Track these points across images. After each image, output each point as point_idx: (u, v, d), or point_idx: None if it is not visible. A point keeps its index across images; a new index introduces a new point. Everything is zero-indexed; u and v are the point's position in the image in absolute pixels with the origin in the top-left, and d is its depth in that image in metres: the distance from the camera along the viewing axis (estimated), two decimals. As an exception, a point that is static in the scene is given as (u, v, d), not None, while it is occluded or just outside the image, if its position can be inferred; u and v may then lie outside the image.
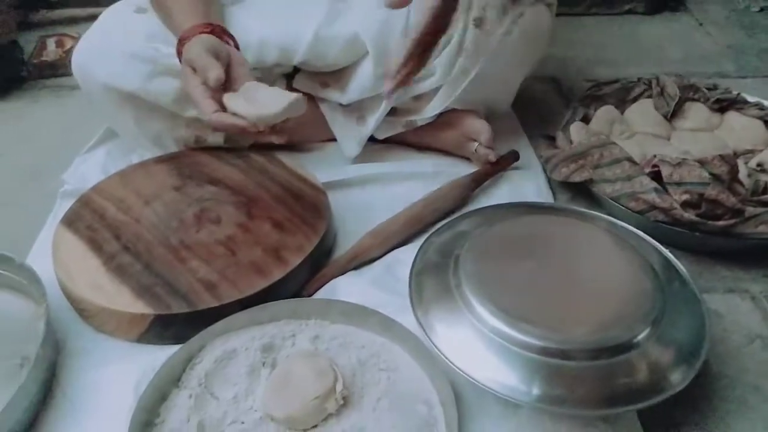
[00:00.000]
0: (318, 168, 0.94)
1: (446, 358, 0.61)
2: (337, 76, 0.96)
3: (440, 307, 0.67)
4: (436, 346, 0.63)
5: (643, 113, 1.03)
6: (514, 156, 0.97)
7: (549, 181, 0.96)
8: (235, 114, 0.75)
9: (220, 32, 0.83)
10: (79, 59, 0.92)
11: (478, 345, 0.62)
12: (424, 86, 0.94)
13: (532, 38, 0.93)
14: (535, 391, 0.58)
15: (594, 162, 0.87)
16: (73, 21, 1.51)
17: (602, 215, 0.81)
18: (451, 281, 0.68)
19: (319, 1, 0.95)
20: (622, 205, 0.83)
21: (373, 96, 0.95)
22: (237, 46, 0.84)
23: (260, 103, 0.75)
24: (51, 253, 0.79)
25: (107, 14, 0.96)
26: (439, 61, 0.91)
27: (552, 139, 1.00)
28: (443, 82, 0.93)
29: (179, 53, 0.82)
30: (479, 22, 0.90)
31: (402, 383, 0.66)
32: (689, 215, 0.78)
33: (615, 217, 0.81)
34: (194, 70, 0.77)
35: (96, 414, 0.66)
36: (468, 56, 0.91)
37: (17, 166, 1.06)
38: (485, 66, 0.91)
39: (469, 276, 0.67)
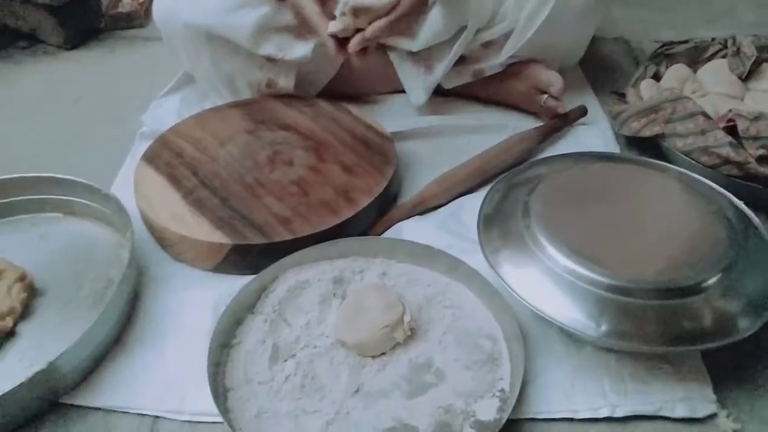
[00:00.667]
0: (385, 118, 0.95)
1: (515, 293, 0.63)
2: (407, 23, 0.96)
3: (509, 247, 0.68)
4: (505, 282, 0.64)
5: (716, 73, 1.01)
6: (581, 110, 0.97)
7: (617, 136, 0.95)
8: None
9: None
10: (160, 2, 0.95)
11: (547, 282, 0.63)
12: (493, 32, 0.94)
13: None
14: (603, 327, 0.59)
15: (666, 116, 0.86)
16: (145, -24, 1.56)
17: (674, 167, 0.80)
18: (521, 223, 0.69)
19: None
20: (694, 160, 0.82)
21: (442, 44, 0.95)
22: None
23: None
24: (132, 188, 0.83)
25: None
26: (509, 4, 0.91)
27: (621, 96, 0.99)
28: (513, 27, 0.93)
29: None
30: None
31: (467, 319, 0.68)
32: (765, 170, 0.77)
33: (686, 172, 0.80)
34: None
35: (176, 332, 0.70)
36: (536, 0, 0.90)
37: (96, 110, 1.11)
38: (556, 10, 0.90)
39: (539, 217, 0.68)
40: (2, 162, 0.86)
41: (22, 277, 0.73)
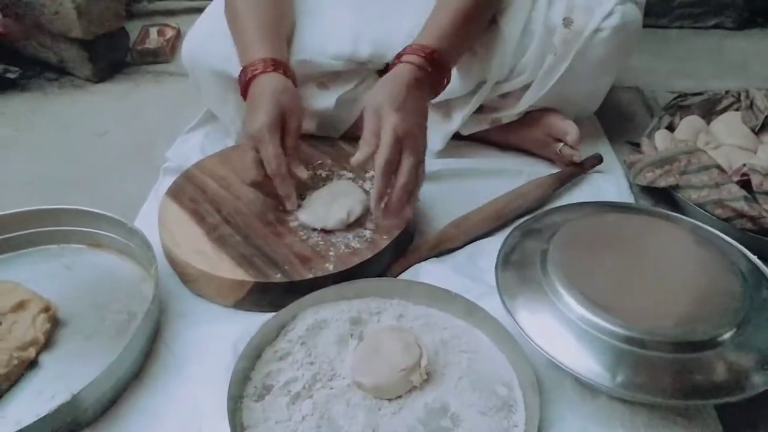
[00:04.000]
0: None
1: (532, 340, 0.64)
2: None
3: (526, 293, 0.69)
4: (521, 329, 0.65)
5: (730, 125, 1.03)
6: (597, 159, 0.99)
7: (631, 186, 0.97)
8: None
9: (285, 68, 0.85)
10: (190, 45, 0.99)
11: (564, 331, 0.64)
12: (512, 84, 0.96)
13: (623, 36, 0.94)
14: (618, 378, 0.60)
15: (681, 168, 0.88)
16: (171, 13, 1.61)
17: (688, 219, 0.82)
18: (538, 270, 0.70)
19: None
20: (708, 212, 0.84)
21: (461, 95, 0.98)
22: (295, 82, 0.87)
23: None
24: (155, 222, 0.85)
25: (216, 3, 1.02)
26: (528, 58, 0.94)
27: (636, 146, 1.01)
28: (532, 79, 0.95)
29: (244, 87, 0.85)
30: (568, 22, 0.93)
31: (482, 365, 0.69)
32: (778, 225, 0.78)
33: (699, 224, 0.82)
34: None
35: (197, 367, 0.71)
36: (557, 53, 0.93)
37: (122, 143, 1.14)
38: (575, 63, 0.93)
39: (557, 265, 0.69)
40: (29, 193, 0.88)
41: (46, 308, 0.75)
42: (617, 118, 1.15)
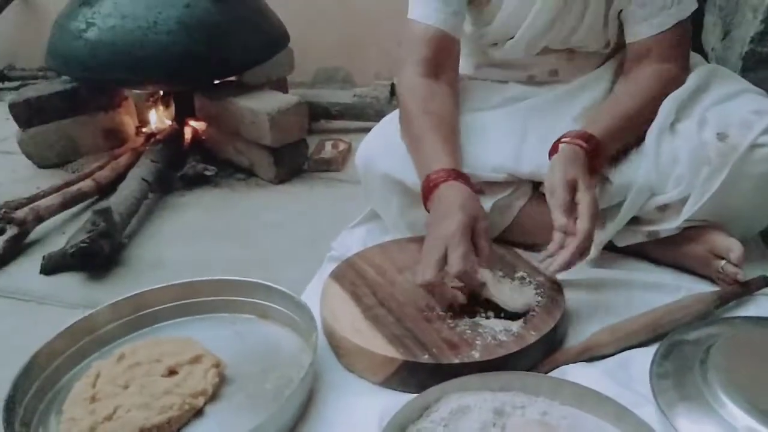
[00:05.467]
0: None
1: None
2: None
3: (685, 402, 0.67)
4: (680, 435, 0.62)
5: None
6: (765, 280, 0.94)
7: (803, 311, 0.90)
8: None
9: (466, 179, 0.94)
10: (365, 151, 1.11)
11: (727, 442, 0.60)
12: (669, 197, 0.96)
13: None
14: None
15: None
16: (345, 131, 1.80)
17: None
18: (698, 378, 0.68)
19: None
20: None
21: (616, 205, 1.00)
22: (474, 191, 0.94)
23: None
24: (317, 301, 0.93)
25: (388, 119, 1.14)
26: (684, 170, 0.94)
27: (809, 271, 0.95)
28: (690, 192, 0.95)
29: (426, 193, 0.93)
30: (722, 137, 0.93)
31: (632, 472, 0.66)
32: None
33: None
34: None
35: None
36: (712, 165, 0.92)
37: (294, 235, 1.28)
38: (735, 177, 0.92)
39: (719, 373, 0.66)
40: (213, 270, 1.01)
41: (216, 364, 0.83)
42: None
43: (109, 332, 0.92)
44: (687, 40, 1.06)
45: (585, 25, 1.06)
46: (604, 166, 0.98)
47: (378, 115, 1.74)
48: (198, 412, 0.78)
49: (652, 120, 0.98)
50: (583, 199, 0.87)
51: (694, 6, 1.04)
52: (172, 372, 0.82)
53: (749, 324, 0.77)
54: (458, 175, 0.93)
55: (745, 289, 0.93)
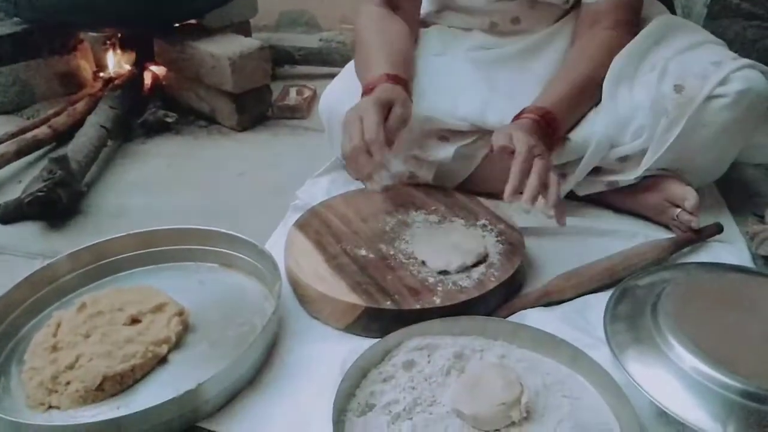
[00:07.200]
0: (516, 214, 1.00)
1: (642, 388, 0.63)
2: None
3: (636, 345, 0.69)
4: (631, 377, 0.65)
5: None
6: (717, 227, 0.97)
7: (754, 257, 0.94)
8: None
9: (405, 84, 0.95)
10: (327, 98, 1.10)
11: (674, 382, 0.63)
12: (630, 148, 0.98)
13: (745, 103, 0.93)
14: (729, 430, 0.58)
15: (809, 239, 0.84)
16: (310, 77, 1.77)
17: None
18: (649, 322, 0.70)
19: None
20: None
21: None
22: (411, 96, 0.96)
23: None
24: (282, 250, 0.93)
25: (350, 66, 1.13)
26: (644, 122, 0.96)
27: (760, 218, 0.98)
28: (649, 143, 0.97)
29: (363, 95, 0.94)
30: (679, 89, 0.94)
31: (585, 412, 0.68)
32: None
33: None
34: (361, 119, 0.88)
35: (306, 381, 0.76)
36: (669, 117, 0.94)
37: (257, 184, 1.26)
38: (692, 128, 0.93)
39: (670, 317, 0.69)
40: (176, 220, 0.99)
41: (180, 313, 0.83)
42: (742, 193, 1.12)
43: (69, 282, 0.91)
44: (639, 10, 1.06)
45: None
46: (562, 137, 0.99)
47: (344, 61, 1.70)
48: (161, 360, 0.79)
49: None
50: (519, 141, 0.84)
51: None
52: (134, 321, 0.82)
53: (700, 270, 0.80)
54: (396, 79, 0.94)
55: (699, 236, 0.96)
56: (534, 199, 0.81)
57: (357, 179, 0.92)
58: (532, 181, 0.81)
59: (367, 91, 0.94)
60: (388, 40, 1.03)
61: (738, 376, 0.60)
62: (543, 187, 0.81)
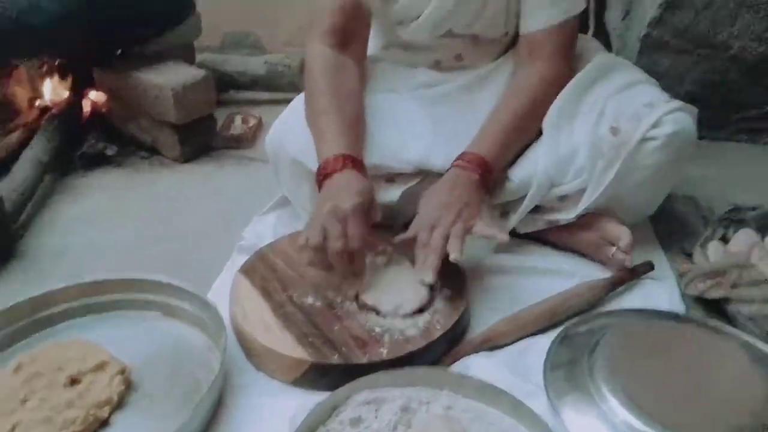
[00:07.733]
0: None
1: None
2: None
3: (572, 394, 0.72)
4: (566, 427, 0.67)
5: (787, 241, 1.04)
6: (649, 266, 1.01)
7: (683, 295, 0.98)
8: None
9: (360, 166, 0.95)
10: (274, 135, 1.09)
11: (606, 434, 0.66)
12: (569, 187, 1.02)
13: (676, 145, 0.97)
14: (660, 487, 0.61)
15: (732, 281, 0.89)
16: (255, 103, 1.76)
17: (737, 332, 0.83)
18: (585, 372, 0.73)
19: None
20: (759, 327, 0.84)
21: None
22: (366, 178, 0.95)
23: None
24: (226, 296, 0.92)
25: (299, 99, 1.12)
26: (584, 162, 1.00)
27: (688, 255, 1.03)
28: (587, 183, 1.00)
29: (321, 179, 0.94)
30: (615, 131, 0.98)
31: (526, 462, 0.71)
32: (833, 345, 0.78)
33: (750, 338, 0.82)
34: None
35: (255, 435, 0.76)
36: (606, 159, 0.98)
37: (202, 216, 1.25)
38: (627, 170, 0.97)
39: (604, 369, 0.72)
40: (116, 255, 0.97)
41: (122, 371, 0.82)
42: (672, 227, 1.17)
43: (3, 339, 0.88)
44: (574, 42, 1.10)
45: (488, 12, 1.07)
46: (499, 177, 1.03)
47: (290, 86, 1.70)
48: (103, 423, 0.77)
49: (542, 119, 1.03)
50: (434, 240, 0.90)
51: (583, 5, 1.07)
52: (74, 381, 0.80)
53: (635, 318, 0.84)
54: (354, 162, 0.94)
55: (632, 275, 1.00)
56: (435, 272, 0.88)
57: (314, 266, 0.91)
58: (430, 262, 0.88)
59: (322, 176, 0.94)
60: (342, 104, 1.01)
61: (666, 431, 0.63)
62: (441, 253, 0.89)
